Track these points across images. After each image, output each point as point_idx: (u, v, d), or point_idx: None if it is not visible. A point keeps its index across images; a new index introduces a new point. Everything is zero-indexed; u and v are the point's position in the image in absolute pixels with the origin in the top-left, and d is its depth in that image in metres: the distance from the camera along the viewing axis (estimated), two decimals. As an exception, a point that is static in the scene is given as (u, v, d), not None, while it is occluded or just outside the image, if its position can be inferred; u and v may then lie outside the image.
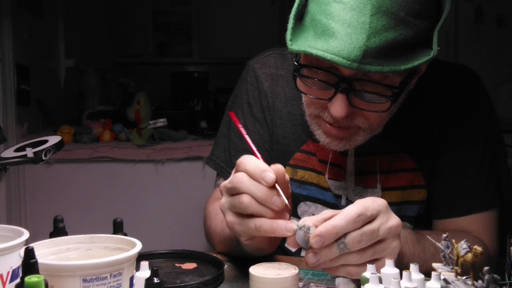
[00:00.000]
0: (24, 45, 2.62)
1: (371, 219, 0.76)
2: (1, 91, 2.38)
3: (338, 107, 0.88)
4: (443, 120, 1.08)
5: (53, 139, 0.88)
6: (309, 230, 0.74)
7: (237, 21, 4.27)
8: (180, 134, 2.70)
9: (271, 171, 0.77)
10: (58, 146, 0.87)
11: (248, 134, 1.17)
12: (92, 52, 3.69)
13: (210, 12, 4.36)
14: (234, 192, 0.79)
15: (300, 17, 0.92)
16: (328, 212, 0.78)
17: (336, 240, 0.74)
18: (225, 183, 0.82)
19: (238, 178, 0.78)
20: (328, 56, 0.82)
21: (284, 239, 1.20)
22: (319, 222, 0.75)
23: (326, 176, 1.10)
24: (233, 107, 1.21)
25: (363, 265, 0.75)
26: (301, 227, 0.75)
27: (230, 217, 0.81)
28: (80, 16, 3.48)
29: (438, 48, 0.86)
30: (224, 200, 0.82)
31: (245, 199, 0.77)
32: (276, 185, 0.76)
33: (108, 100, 3.52)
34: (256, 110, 1.17)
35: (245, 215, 0.79)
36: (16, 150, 0.85)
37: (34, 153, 0.84)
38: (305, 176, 1.13)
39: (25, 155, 0.83)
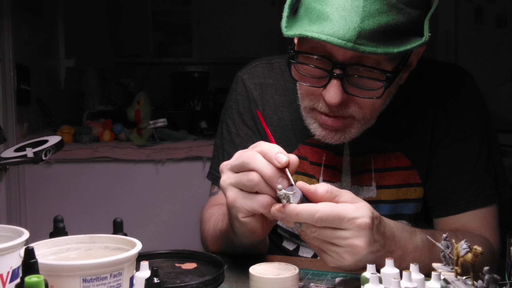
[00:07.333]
0: (24, 45, 2.62)
1: (340, 227, 0.75)
2: (1, 91, 2.38)
3: (332, 93, 0.89)
4: (437, 118, 1.09)
5: (53, 139, 0.88)
6: (289, 199, 0.75)
7: (237, 21, 4.27)
8: (180, 134, 2.70)
9: (286, 154, 0.78)
10: (58, 146, 0.87)
11: (241, 141, 1.17)
12: (92, 52, 3.69)
13: (210, 12, 4.36)
14: (242, 169, 0.80)
15: (294, 11, 0.94)
16: (323, 185, 0.78)
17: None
18: (229, 161, 0.83)
19: (249, 155, 0.79)
20: (323, 37, 0.83)
21: (277, 235, 1.21)
22: (306, 191, 0.77)
23: (321, 178, 1.11)
24: (224, 117, 1.23)
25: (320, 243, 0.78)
26: (280, 196, 0.75)
27: (232, 193, 0.81)
28: (80, 16, 3.48)
29: (430, 34, 0.88)
30: (227, 176, 0.82)
31: (254, 176, 0.77)
32: (287, 170, 0.77)
33: (108, 100, 3.52)
34: (247, 118, 1.19)
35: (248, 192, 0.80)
36: (16, 150, 0.85)
37: (34, 153, 0.84)
38: (296, 180, 1.13)
39: (25, 155, 0.83)
